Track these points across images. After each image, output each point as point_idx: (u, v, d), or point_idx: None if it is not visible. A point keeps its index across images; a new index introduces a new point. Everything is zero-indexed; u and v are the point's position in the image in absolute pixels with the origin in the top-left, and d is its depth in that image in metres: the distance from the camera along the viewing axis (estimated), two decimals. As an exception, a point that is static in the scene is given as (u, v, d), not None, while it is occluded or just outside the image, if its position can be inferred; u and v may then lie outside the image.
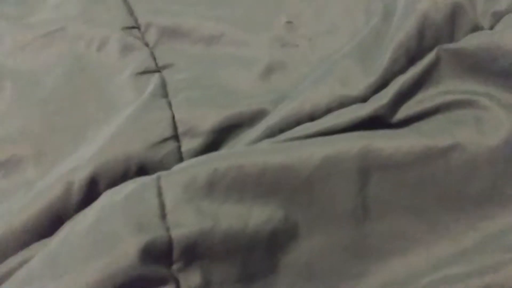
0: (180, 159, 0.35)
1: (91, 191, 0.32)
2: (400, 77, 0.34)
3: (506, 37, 0.33)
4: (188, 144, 0.36)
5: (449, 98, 0.33)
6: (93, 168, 0.32)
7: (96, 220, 0.28)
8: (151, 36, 0.42)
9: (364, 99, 0.33)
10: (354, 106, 0.33)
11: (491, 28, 0.35)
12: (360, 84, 0.33)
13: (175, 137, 0.36)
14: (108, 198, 0.30)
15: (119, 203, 0.28)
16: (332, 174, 0.30)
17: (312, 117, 0.33)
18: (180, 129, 0.36)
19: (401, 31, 0.34)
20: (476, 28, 0.35)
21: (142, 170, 0.34)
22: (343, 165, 0.30)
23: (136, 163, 0.34)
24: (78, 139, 0.37)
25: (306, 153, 0.30)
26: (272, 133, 0.34)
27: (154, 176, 0.30)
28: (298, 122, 0.33)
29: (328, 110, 0.33)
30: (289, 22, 0.39)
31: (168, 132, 0.36)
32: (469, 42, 0.34)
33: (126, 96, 0.38)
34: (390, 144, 0.31)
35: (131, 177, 0.34)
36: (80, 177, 0.32)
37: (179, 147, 0.36)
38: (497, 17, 0.34)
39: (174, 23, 0.41)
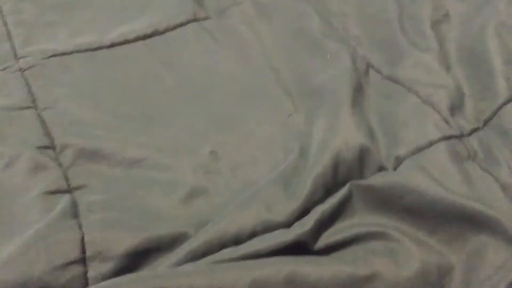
0: (85, 286, 0.32)
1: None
2: (319, 206, 0.35)
3: (409, 178, 0.37)
4: (97, 269, 0.32)
5: (363, 229, 0.35)
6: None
7: None
8: (66, 157, 0.40)
9: (287, 224, 0.34)
10: (278, 231, 0.33)
11: (395, 169, 0.39)
12: (284, 210, 0.34)
13: (82, 260, 0.33)
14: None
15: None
16: (260, 299, 0.29)
17: (236, 241, 0.33)
18: (89, 252, 0.33)
19: (318, 165, 0.37)
20: (381, 168, 0.39)
21: (41, 296, 0.30)
22: (271, 290, 0.29)
23: (36, 288, 0.30)
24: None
25: (234, 276, 0.29)
26: (194, 257, 0.32)
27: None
28: (223, 246, 0.32)
29: (253, 234, 0.33)
30: (213, 152, 0.40)
31: (74, 255, 0.33)
32: (376, 179, 0.37)
33: (32, 216, 0.35)
34: (315, 271, 0.31)
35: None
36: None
37: (85, 272, 0.32)
38: (399, 160, 0.39)
39: (93, 146, 0.40)
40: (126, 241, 0.34)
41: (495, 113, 0.42)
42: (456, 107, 0.43)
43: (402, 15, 0.52)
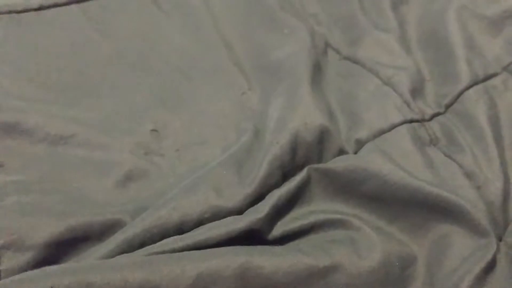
0: (-4, 280, 0.26)
1: None
2: (275, 191, 0.31)
3: (371, 161, 0.34)
4: (11, 261, 0.27)
5: (322, 217, 0.32)
6: None
7: None
8: (-22, 131, 0.34)
9: (239, 211, 0.30)
10: (229, 218, 0.29)
11: (355, 153, 0.36)
12: (236, 195, 0.30)
13: (-7, 251, 0.27)
14: None
15: None
16: (207, 296, 0.25)
17: (180, 229, 0.28)
18: (2, 241, 0.27)
19: (275, 146, 0.33)
20: (341, 152, 0.36)
21: None
22: (220, 285, 0.25)
23: None
24: None
25: (176, 269, 0.24)
26: (130, 248, 0.27)
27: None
28: (164, 235, 0.28)
29: (200, 222, 0.29)
30: (154, 130, 0.35)
31: (-17, 244, 0.27)
32: (337, 163, 0.34)
33: None
34: (270, 262, 0.27)
35: None
36: None
37: (-5, 265, 0.27)
38: (360, 144, 0.36)
39: (11, 119, 0.34)
40: (48, 228, 0.28)
41: (456, 98, 0.40)
42: (417, 91, 0.41)
43: (361, -5, 0.50)
